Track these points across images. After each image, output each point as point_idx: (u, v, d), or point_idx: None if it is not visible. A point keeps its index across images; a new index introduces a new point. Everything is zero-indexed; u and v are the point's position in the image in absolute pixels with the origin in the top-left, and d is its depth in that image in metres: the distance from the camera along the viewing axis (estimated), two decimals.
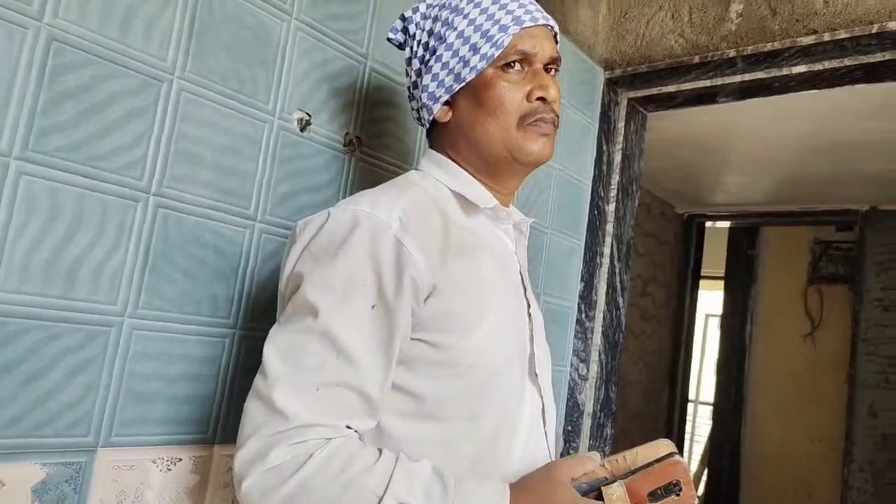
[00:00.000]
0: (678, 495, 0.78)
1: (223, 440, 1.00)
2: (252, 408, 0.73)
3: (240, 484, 0.71)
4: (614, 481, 0.77)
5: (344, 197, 1.15)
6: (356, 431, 0.76)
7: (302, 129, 1.10)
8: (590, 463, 0.80)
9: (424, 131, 1.00)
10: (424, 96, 0.91)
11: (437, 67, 0.89)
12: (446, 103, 0.91)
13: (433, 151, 0.95)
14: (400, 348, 0.78)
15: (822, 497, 3.82)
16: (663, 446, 0.81)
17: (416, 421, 0.80)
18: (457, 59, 0.88)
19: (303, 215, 1.09)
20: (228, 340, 1.01)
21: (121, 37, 0.88)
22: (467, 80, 0.88)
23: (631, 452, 0.81)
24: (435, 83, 0.89)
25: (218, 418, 1.00)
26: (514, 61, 0.87)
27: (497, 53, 0.86)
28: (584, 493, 0.78)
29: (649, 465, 0.79)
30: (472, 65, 0.87)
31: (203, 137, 0.97)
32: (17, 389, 0.80)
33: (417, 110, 0.96)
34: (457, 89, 0.89)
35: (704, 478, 4.39)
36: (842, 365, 3.68)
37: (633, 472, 0.79)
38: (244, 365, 1.02)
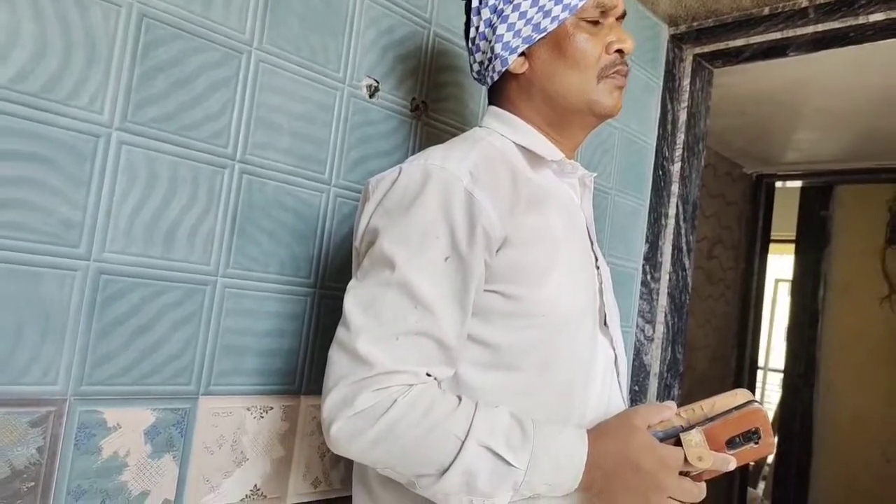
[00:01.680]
0: (756, 443, 0.78)
1: (308, 391, 1.07)
2: (336, 357, 0.77)
3: (328, 428, 0.75)
4: (692, 428, 0.78)
5: None
6: (436, 379, 0.79)
7: (371, 96, 1.14)
8: (667, 411, 0.81)
9: (486, 89, 1.01)
10: (498, 46, 0.90)
11: (514, 17, 0.88)
12: (521, 54, 0.90)
13: (496, 108, 0.95)
14: (475, 299, 0.80)
15: None
16: (741, 395, 0.81)
17: (493, 371, 0.82)
18: (536, 8, 0.87)
19: None
20: (309, 299, 1.07)
21: (203, 11, 0.93)
22: (548, 31, 0.88)
23: (708, 401, 0.81)
24: (511, 33, 0.89)
25: (303, 371, 1.06)
26: (592, 15, 0.88)
27: (581, 4, 0.87)
28: (661, 441, 0.78)
29: (727, 412, 0.79)
30: (553, 14, 0.87)
31: (280, 106, 1.02)
32: (128, 341, 0.88)
33: (482, 63, 0.95)
34: (536, 39, 0.88)
35: (775, 444, 4.31)
36: None
37: (711, 419, 0.79)
38: (324, 322, 1.08)
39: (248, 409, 1.00)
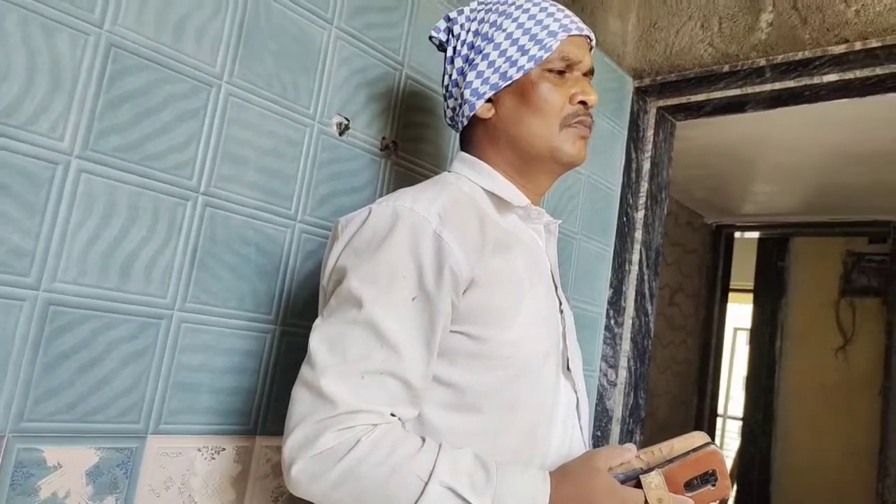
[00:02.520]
0: (714, 485, 0.79)
1: (264, 431, 1.03)
2: (300, 396, 0.76)
3: (289, 469, 0.73)
4: (651, 470, 0.79)
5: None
6: (400, 419, 0.78)
7: (341, 133, 1.14)
8: (627, 454, 0.82)
9: (458, 134, 1.02)
10: (467, 92, 0.93)
11: (483, 65, 0.92)
12: (489, 101, 0.93)
13: (465, 154, 0.98)
14: (441, 340, 0.80)
15: None
16: (699, 437, 0.83)
17: (457, 412, 0.82)
18: (503, 58, 0.91)
19: (341, 216, 1.13)
20: (270, 336, 1.05)
21: (174, 43, 0.92)
22: (514, 79, 0.91)
23: (667, 444, 0.82)
24: (479, 80, 0.92)
25: (259, 410, 1.03)
26: (558, 66, 0.91)
27: (545, 56, 0.90)
28: (622, 483, 0.79)
29: (685, 454, 0.80)
30: (519, 64, 0.90)
31: (248, 140, 1.01)
32: (74, 376, 0.84)
33: (454, 108, 0.98)
34: (502, 87, 0.92)
35: (733, 492, 4.32)
36: (875, 379, 3.61)
37: (670, 461, 0.80)
38: (284, 360, 1.06)
39: (199, 450, 0.96)
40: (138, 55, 0.89)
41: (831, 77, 1.60)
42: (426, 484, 0.72)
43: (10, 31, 0.78)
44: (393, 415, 0.77)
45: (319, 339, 0.78)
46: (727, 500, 4.34)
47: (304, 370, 0.77)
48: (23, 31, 0.79)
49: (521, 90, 0.91)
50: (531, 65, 0.90)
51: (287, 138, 1.06)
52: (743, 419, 4.36)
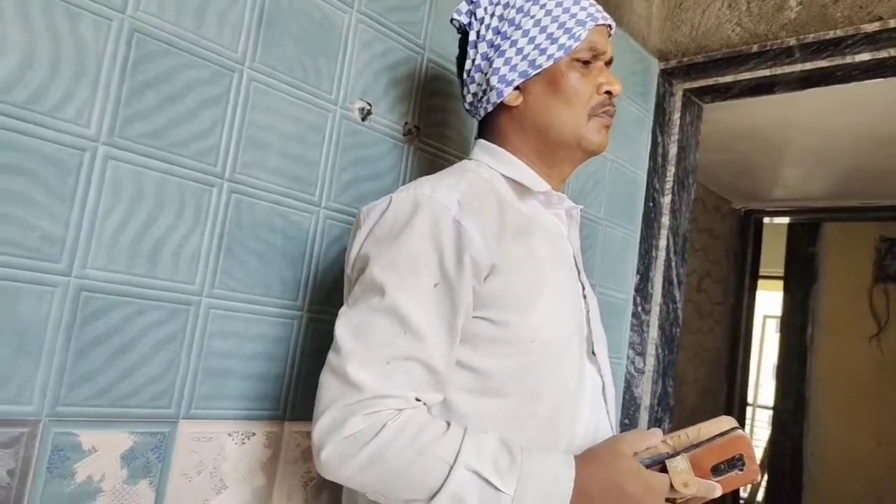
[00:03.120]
0: (741, 470, 0.79)
1: (293, 417, 1.04)
2: (327, 382, 0.77)
3: (319, 453, 0.75)
4: (677, 455, 0.78)
5: (403, 184, 1.18)
6: (425, 404, 0.79)
7: (363, 119, 1.13)
8: (653, 438, 0.81)
9: (477, 122, 1.01)
10: (494, 79, 0.92)
11: (511, 52, 0.92)
12: (516, 88, 0.93)
13: (484, 141, 0.98)
14: (463, 326, 0.80)
15: (890, 499, 3.66)
16: (726, 422, 0.82)
17: (481, 397, 0.82)
18: (532, 45, 0.91)
19: (365, 202, 1.12)
20: (297, 322, 1.05)
21: (196, 28, 0.92)
22: (543, 67, 0.91)
23: (693, 428, 0.81)
24: (508, 67, 0.92)
25: (288, 396, 1.03)
26: (585, 56, 0.92)
27: (575, 45, 0.91)
28: (648, 467, 0.78)
29: (711, 439, 0.79)
30: (549, 53, 0.90)
31: (271, 125, 1.01)
32: (107, 361, 0.85)
33: (476, 95, 0.97)
34: (532, 74, 0.91)
35: (764, 482, 4.26)
36: None
37: (696, 446, 0.79)
38: (311, 346, 1.06)
39: (230, 435, 0.97)
40: (160, 41, 0.89)
41: (864, 56, 1.56)
42: (451, 467, 0.73)
43: (35, 17, 0.79)
44: (418, 399, 0.78)
45: (345, 327, 0.79)
46: (756, 484, 4.27)
47: (331, 356, 0.79)
48: (47, 17, 0.79)
49: (551, 79, 0.92)
50: (561, 54, 0.90)
51: (310, 124, 1.06)
52: (773, 408, 4.29)
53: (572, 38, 0.90)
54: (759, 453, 4.65)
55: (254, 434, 1.00)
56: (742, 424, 3.96)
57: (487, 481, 0.73)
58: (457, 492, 0.72)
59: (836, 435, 4.04)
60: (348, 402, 0.74)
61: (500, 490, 0.73)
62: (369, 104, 1.14)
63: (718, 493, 0.78)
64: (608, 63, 0.96)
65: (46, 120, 0.80)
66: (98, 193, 0.84)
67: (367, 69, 1.14)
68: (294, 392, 1.04)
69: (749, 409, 5.55)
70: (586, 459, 0.79)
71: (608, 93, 0.93)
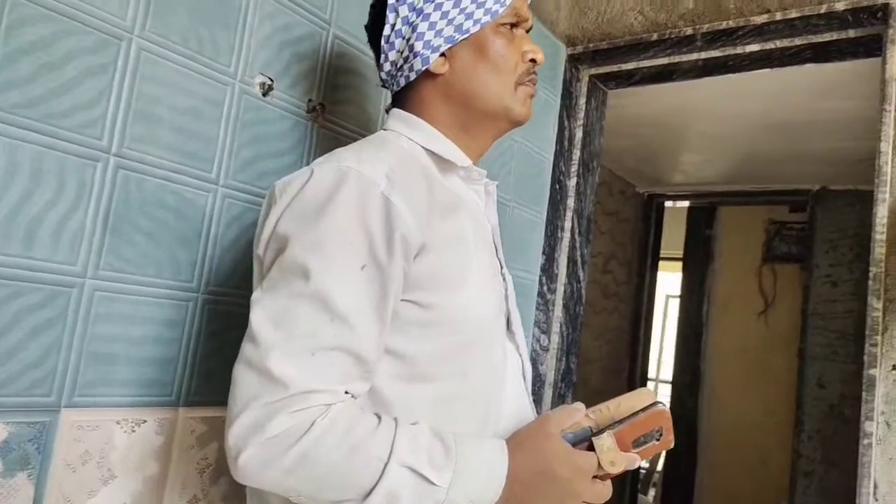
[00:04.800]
0: (658, 440, 0.82)
1: (187, 402, 1.00)
2: (244, 377, 0.70)
3: (236, 457, 0.68)
4: (602, 431, 0.80)
5: (307, 163, 1.15)
6: (353, 396, 0.74)
7: (264, 94, 1.10)
8: (577, 414, 0.82)
9: (390, 92, 0.98)
10: (419, 45, 0.88)
11: (435, 16, 0.88)
12: (441, 55, 0.89)
13: (402, 111, 0.93)
14: (392, 309, 0.76)
15: (774, 465, 3.97)
16: (646, 395, 0.84)
17: (409, 382, 0.79)
18: (458, 10, 0.88)
19: (267, 181, 1.09)
20: (192, 304, 1.01)
21: None
22: (470, 33, 0.88)
23: (614, 402, 0.83)
24: (433, 32, 0.88)
25: (182, 381, 1.00)
26: (509, 21, 0.90)
27: (500, 10, 0.88)
28: (573, 444, 0.80)
29: (634, 414, 0.81)
30: (475, 17, 0.87)
31: (163, 98, 0.96)
32: None
33: (397, 62, 0.92)
34: (458, 40, 0.88)
35: (662, 456, 4.51)
36: (793, 340, 3.81)
37: (620, 421, 0.81)
38: (207, 328, 1.02)
39: (118, 423, 0.93)
40: (39, 4, 0.83)
41: (753, 47, 1.65)
42: (386, 464, 0.69)
43: None
44: (347, 392, 0.73)
45: (262, 315, 0.72)
46: (669, 449, 4.52)
47: (247, 349, 0.71)
48: None
49: (478, 45, 0.89)
50: (488, 18, 0.88)
51: (206, 97, 1.01)
52: (672, 383, 4.54)
53: (498, 2, 0.88)
54: None
55: (145, 421, 0.96)
56: None
57: (422, 476, 0.70)
58: (391, 489, 0.69)
59: (728, 406, 4.32)
60: (271, 400, 0.68)
61: (434, 484, 0.70)
62: (271, 79, 1.11)
63: (639, 463, 0.81)
64: (528, 31, 0.95)
65: None
66: None
67: (268, 43, 1.10)
68: (189, 377, 1.00)
69: (652, 384, 5.84)
70: (517, 444, 0.78)
71: (532, 61, 0.92)
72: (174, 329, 0.99)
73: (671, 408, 4.50)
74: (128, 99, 0.92)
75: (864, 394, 1.31)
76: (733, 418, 4.26)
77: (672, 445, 0.83)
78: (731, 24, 1.64)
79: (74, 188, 0.87)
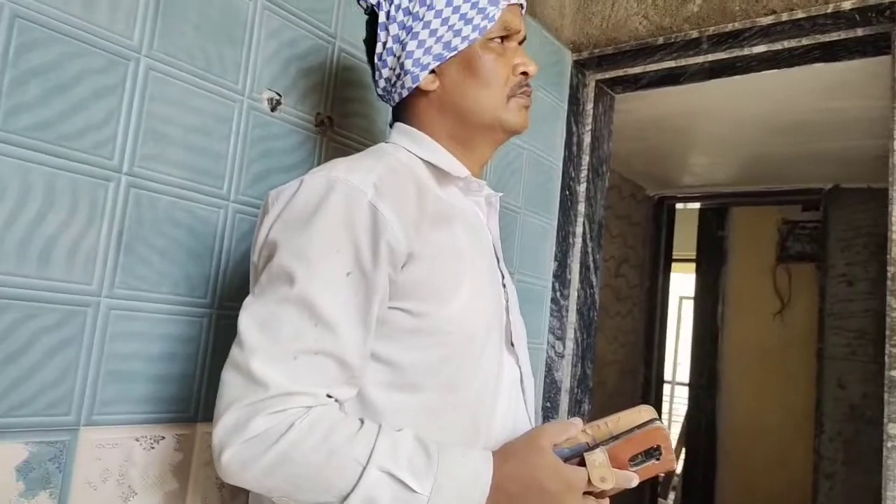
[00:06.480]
0: (658, 459, 0.80)
1: (205, 418, 1.01)
2: (229, 379, 0.72)
3: (219, 456, 0.70)
4: (596, 447, 0.78)
5: None
6: (336, 400, 0.75)
7: (272, 109, 1.11)
8: (572, 429, 0.81)
9: (392, 106, 0.99)
10: (409, 63, 0.89)
11: (424, 34, 0.88)
12: (432, 72, 0.90)
13: (402, 124, 0.95)
14: (378, 316, 0.77)
15: (795, 467, 3.92)
16: (645, 412, 0.82)
17: (397, 391, 0.79)
18: (446, 27, 0.88)
19: None
20: (206, 320, 1.01)
21: (85, 14, 0.87)
22: (459, 50, 0.89)
23: (613, 418, 0.81)
24: (421, 50, 0.88)
25: (199, 397, 1.00)
26: (498, 35, 0.90)
27: (489, 26, 0.88)
28: (566, 459, 0.78)
29: (630, 430, 0.80)
30: (463, 34, 0.88)
31: (173, 116, 0.97)
32: None
33: (390, 80, 0.93)
34: (447, 57, 0.89)
35: (682, 456, 4.47)
36: (810, 340, 3.77)
37: (615, 437, 0.79)
38: (222, 344, 1.03)
39: (137, 440, 0.93)
40: (46, 27, 0.84)
41: (760, 48, 1.64)
42: (364, 468, 0.69)
43: None
44: (329, 396, 0.74)
45: (249, 319, 0.74)
46: (672, 471, 4.46)
47: (234, 351, 0.74)
48: None
49: (467, 62, 0.89)
50: (476, 35, 0.88)
51: (215, 114, 1.02)
52: (689, 384, 4.50)
53: (486, 18, 0.88)
54: (678, 428, 4.87)
55: (163, 438, 0.96)
56: (660, 401, 4.14)
57: (402, 482, 0.70)
58: (369, 494, 0.69)
59: (746, 407, 4.28)
60: (252, 401, 0.69)
61: (415, 491, 0.70)
62: (279, 94, 1.11)
63: (635, 482, 0.78)
64: (523, 41, 0.95)
65: None
66: None
67: (275, 58, 1.11)
68: (205, 392, 1.01)
69: (668, 387, 5.80)
70: (505, 455, 0.77)
71: (524, 73, 0.92)
72: (190, 345, 0.99)
73: (689, 410, 4.48)
74: (137, 118, 0.93)
75: (885, 395, 1.29)
76: (752, 420, 4.22)
77: (673, 466, 0.81)
78: (737, 25, 1.63)
79: (87, 208, 0.88)
